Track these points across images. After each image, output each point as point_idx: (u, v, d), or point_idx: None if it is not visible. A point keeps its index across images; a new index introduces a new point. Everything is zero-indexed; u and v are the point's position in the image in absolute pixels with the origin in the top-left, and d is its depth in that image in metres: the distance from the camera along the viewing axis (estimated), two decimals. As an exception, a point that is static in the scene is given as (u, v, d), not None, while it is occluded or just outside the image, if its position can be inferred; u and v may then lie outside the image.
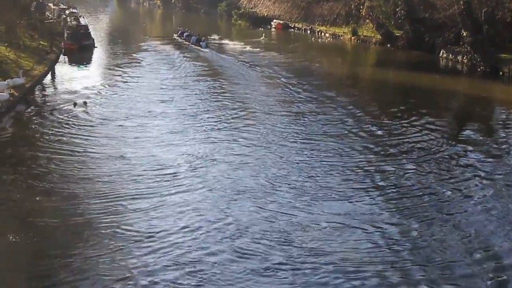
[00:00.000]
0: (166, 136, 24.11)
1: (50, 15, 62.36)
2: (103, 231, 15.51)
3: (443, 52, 43.98)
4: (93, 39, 51.62)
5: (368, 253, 14.45)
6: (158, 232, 15.38)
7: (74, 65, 43.31)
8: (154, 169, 20.06)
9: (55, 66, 41.92)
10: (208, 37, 57.22)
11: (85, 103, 29.37)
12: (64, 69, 41.69)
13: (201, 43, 51.68)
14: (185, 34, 56.69)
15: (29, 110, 29.31)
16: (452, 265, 13.87)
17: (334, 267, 13.76)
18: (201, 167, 20.33)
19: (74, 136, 24.13)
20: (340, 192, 18.23)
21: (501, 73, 37.60)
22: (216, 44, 54.59)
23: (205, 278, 13.31)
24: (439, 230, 15.60)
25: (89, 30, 52.36)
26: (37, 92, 33.58)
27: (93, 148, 22.50)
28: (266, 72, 39.87)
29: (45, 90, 34.20)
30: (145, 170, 19.97)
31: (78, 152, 22.04)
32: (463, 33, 41.36)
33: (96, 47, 50.81)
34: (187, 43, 54.55)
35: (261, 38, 58.79)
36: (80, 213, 16.74)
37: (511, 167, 20.65)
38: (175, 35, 59.50)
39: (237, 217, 16.30)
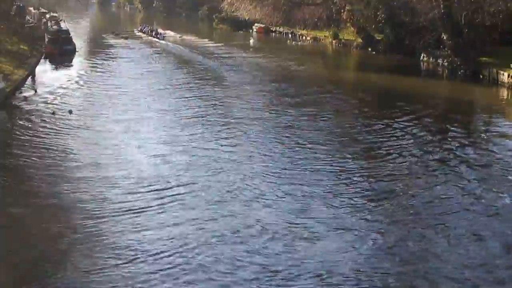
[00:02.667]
0: (145, 143, 23.92)
1: (31, 19, 61.95)
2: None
3: (423, 56, 44.24)
4: (74, 44, 51.31)
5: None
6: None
7: (54, 70, 43.03)
8: (132, 175, 19.95)
9: (36, 71, 41.59)
10: (166, 31, 65.86)
11: (70, 112, 28.63)
12: (44, 74, 41.30)
13: (158, 36, 61.59)
14: (145, 29, 66.37)
15: (8, 115, 28.94)
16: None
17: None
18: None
19: (52, 142, 23.82)
20: (329, 196, 18.27)
21: (481, 76, 37.85)
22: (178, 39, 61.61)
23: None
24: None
25: (70, 34, 52.05)
26: (17, 97, 33.06)
27: (70, 155, 22.28)
28: (246, 76, 39.91)
29: (25, 95, 33.62)
30: (123, 176, 19.84)
31: (57, 158, 21.83)
32: (443, 37, 41.66)
33: (77, 51, 50.52)
34: (145, 36, 63.68)
35: (251, 40, 59.48)
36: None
37: (493, 170, 20.79)
38: (135, 30, 68.21)
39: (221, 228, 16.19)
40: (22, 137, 24.74)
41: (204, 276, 13.52)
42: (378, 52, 49.43)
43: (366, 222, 16.43)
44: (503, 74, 35.69)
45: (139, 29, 67.77)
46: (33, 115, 28.41)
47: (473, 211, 17.12)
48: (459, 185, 19.14)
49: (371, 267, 14.01)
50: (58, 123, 26.73)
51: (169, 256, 14.35)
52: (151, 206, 17.38)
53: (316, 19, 62.11)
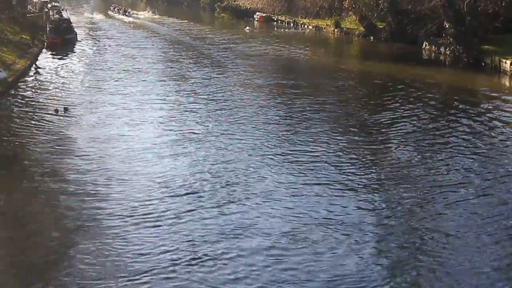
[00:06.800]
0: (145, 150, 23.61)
1: (32, 9, 61.93)
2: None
3: (426, 44, 44.16)
4: (76, 33, 51.42)
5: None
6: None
7: (56, 59, 42.98)
8: (137, 169, 19.88)
9: (38, 60, 41.58)
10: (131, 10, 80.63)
11: (65, 109, 27.32)
12: (46, 63, 41.31)
13: (126, 13, 76.68)
14: (116, 8, 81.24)
15: (10, 105, 28.86)
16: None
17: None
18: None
19: (53, 135, 23.76)
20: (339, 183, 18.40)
21: (483, 64, 37.81)
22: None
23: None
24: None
25: (71, 23, 52.08)
26: (19, 87, 33.05)
27: (72, 146, 22.23)
28: (245, 65, 39.93)
29: (27, 85, 33.75)
30: (129, 170, 19.78)
31: (57, 151, 21.74)
32: (445, 25, 41.53)
33: (79, 41, 50.57)
34: (116, 14, 78.15)
35: (246, 28, 59.73)
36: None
37: (496, 160, 20.82)
38: (109, 11, 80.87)
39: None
40: (23, 127, 24.70)
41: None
42: (380, 40, 49.33)
43: (371, 211, 16.55)
44: (505, 62, 35.61)
45: (111, 10, 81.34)
46: (34, 105, 28.42)
47: (475, 198, 17.19)
48: (463, 172, 19.22)
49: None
50: (60, 115, 26.65)
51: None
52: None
53: (317, 8, 62.13)
